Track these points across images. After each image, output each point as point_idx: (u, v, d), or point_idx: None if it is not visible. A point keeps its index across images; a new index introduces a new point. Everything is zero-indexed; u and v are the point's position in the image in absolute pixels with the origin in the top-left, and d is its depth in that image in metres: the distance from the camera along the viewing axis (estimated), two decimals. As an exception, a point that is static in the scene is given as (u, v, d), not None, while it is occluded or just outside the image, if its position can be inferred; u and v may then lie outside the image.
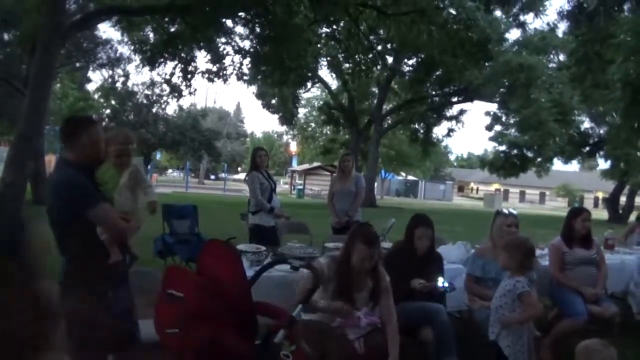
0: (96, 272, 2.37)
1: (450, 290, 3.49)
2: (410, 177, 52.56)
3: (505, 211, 3.92)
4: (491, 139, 27.51)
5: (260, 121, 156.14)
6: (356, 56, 14.65)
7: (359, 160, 25.81)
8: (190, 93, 15.67)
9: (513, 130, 25.45)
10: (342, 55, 18.75)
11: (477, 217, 20.12)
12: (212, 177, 56.08)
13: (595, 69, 13.46)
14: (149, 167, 30.72)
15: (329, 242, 4.78)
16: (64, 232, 2.38)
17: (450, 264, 4.15)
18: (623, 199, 27.80)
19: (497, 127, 27.02)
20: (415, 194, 50.78)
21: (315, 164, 39.00)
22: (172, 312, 2.20)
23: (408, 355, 3.08)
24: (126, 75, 26.10)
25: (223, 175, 46.69)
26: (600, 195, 46.58)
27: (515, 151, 25.42)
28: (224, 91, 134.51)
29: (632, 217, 9.90)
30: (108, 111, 31.32)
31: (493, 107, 26.58)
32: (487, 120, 27.30)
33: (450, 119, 28.38)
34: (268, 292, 2.93)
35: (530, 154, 25.14)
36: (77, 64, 20.64)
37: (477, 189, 62.92)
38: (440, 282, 3.40)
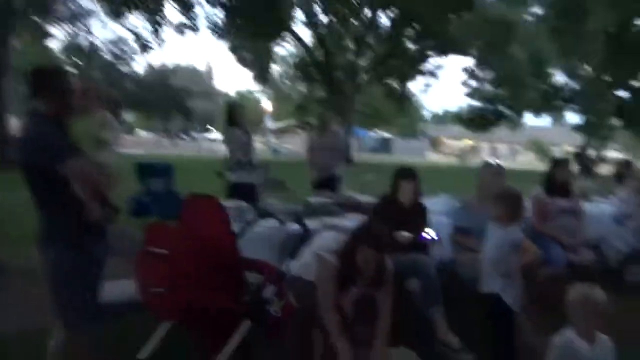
0: (74, 228, 2.29)
1: (435, 241, 3.50)
2: (383, 134, 52.60)
3: (492, 162, 3.93)
4: (467, 94, 27.69)
5: (233, 80, 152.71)
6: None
7: (335, 116, 25.56)
8: (158, 45, 15.01)
9: (488, 86, 25.59)
10: (319, 4, 18.12)
11: (451, 173, 20.38)
12: (185, 136, 55.02)
13: (575, 21, 13.37)
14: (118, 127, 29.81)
15: (312, 198, 4.72)
16: (39, 189, 2.30)
17: (434, 215, 4.14)
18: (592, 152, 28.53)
19: (473, 83, 27.13)
20: (389, 150, 50.97)
21: (291, 121, 38.60)
22: (156, 271, 2.10)
23: (394, 306, 3.07)
24: (89, 31, 24.87)
25: (196, 134, 45.87)
26: (570, 149, 47.67)
27: (490, 106, 25.66)
28: (195, 49, 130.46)
29: (603, 169, 10.15)
30: (72, 70, 30.01)
31: (469, 62, 26.55)
32: (463, 76, 27.40)
33: (425, 73, 28.23)
34: (254, 248, 2.84)
35: (504, 109, 25.41)
36: (37, 19, 19.44)
37: (450, 145, 63.56)
38: (427, 233, 3.39)
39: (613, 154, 27.77)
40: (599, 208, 5.51)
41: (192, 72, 57.69)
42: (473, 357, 3.04)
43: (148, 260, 2.18)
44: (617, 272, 4.70)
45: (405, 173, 3.63)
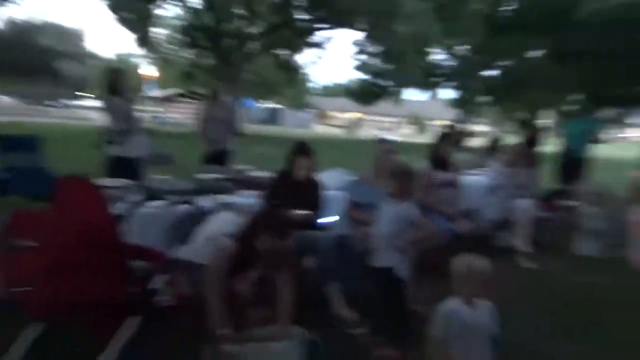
0: None
1: (333, 223, 3.52)
2: (271, 105, 52.32)
3: (385, 137, 4.02)
4: (356, 68, 28.48)
5: (112, 42, 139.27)
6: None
7: (224, 86, 24.76)
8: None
9: (376, 60, 26.55)
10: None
11: (339, 144, 20.94)
12: (54, 104, 49.50)
13: (457, 1, 14.00)
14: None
15: (202, 172, 4.49)
16: None
17: (329, 190, 4.16)
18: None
19: (362, 57, 27.96)
20: (277, 122, 50.82)
21: (176, 90, 36.67)
22: (23, 266, 1.80)
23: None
24: None
25: (67, 101, 41.51)
26: (444, 122, 51.44)
27: (376, 80, 26.72)
28: (68, 5, 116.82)
29: (473, 143, 11.04)
30: None
31: (358, 35, 27.18)
32: (353, 50, 28.05)
33: (314, 45, 28.36)
34: (141, 232, 2.60)
35: (390, 83, 26.63)
36: None
37: (336, 117, 65.28)
38: (323, 219, 3.40)
39: (482, 128, 30.61)
40: (471, 179, 6.00)
41: (61, 31, 51.83)
42: (367, 330, 3.13)
43: (14, 253, 1.86)
44: (487, 238, 5.16)
45: (302, 149, 3.58)
